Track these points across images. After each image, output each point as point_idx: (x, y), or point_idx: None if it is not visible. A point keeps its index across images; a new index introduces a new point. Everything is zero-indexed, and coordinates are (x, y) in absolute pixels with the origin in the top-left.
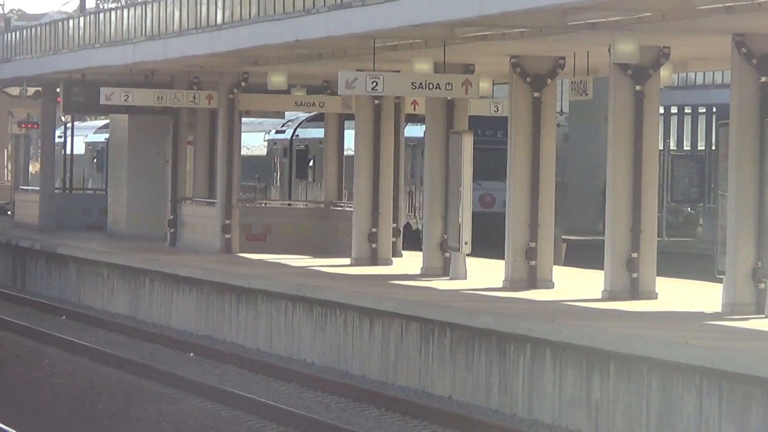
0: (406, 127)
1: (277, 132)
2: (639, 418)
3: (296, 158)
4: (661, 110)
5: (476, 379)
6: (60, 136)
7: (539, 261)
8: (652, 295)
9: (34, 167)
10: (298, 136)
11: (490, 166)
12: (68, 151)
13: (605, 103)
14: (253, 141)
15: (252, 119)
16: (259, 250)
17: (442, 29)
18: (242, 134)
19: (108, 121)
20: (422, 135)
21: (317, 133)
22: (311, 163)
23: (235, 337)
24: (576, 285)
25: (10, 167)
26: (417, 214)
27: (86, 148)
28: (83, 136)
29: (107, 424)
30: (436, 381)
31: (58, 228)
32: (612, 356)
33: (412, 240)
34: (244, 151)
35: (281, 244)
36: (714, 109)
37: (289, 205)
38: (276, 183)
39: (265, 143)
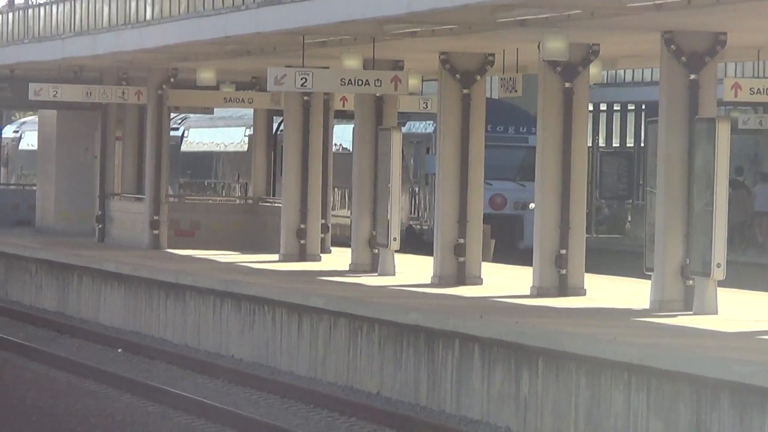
0: (410, 123)
1: None
2: (567, 415)
3: (280, 155)
4: (590, 107)
5: (405, 375)
6: (16, 131)
7: (468, 257)
8: (580, 292)
9: None
10: (282, 131)
11: (501, 164)
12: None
13: (535, 100)
14: (233, 136)
15: (231, 112)
16: (188, 246)
17: (372, 26)
18: (221, 129)
19: None
20: (429, 131)
21: None
22: None
23: (163, 333)
24: (505, 281)
25: None
26: (422, 215)
27: None
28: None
29: (35, 420)
30: (364, 377)
31: None
32: (540, 353)
33: (415, 244)
34: (222, 147)
35: (210, 240)
36: (643, 107)
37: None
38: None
39: (246, 138)
